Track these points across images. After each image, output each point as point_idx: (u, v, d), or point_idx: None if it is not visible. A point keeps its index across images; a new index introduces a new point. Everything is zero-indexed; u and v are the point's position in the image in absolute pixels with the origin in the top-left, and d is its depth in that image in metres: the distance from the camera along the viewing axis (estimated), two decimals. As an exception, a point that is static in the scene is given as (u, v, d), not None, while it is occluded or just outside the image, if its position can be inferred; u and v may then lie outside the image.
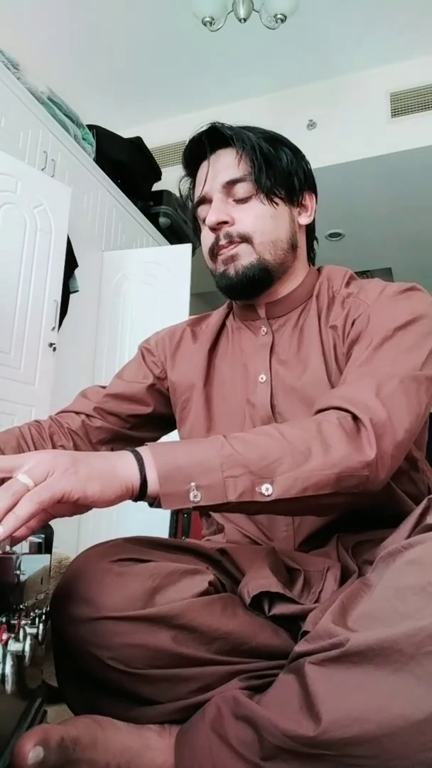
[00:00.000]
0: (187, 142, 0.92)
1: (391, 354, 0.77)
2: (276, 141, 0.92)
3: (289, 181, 0.91)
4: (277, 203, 0.89)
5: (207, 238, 0.92)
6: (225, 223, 0.88)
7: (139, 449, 0.65)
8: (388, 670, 0.49)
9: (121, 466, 0.63)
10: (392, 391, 0.72)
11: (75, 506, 0.61)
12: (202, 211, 0.93)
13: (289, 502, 0.65)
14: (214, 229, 0.88)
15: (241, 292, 0.91)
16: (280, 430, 0.69)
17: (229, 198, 0.89)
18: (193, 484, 0.63)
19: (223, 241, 0.88)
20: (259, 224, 0.88)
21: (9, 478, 0.59)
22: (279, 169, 0.89)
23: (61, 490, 0.58)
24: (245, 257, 0.88)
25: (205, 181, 0.90)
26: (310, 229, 0.98)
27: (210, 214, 0.88)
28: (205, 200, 0.91)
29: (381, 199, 3.96)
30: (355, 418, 0.70)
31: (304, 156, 0.95)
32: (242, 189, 0.88)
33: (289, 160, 0.91)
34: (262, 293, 0.92)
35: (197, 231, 0.98)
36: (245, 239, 0.88)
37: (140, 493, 0.63)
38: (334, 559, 0.78)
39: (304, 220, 0.94)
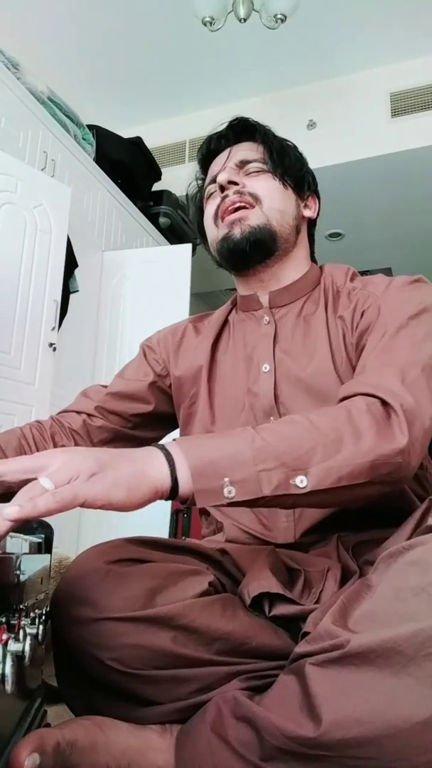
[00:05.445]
0: (205, 138, 0.98)
1: (409, 342, 0.77)
2: (290, 146, 0.99)
3: (298, 177, 0.96)
4: (285, 186, 0.94)
5: (213, 205, 0.95)
6: (236, 184, 0.91)
7: (168, 446, 0.63)
8: (389, 671, 0.49)
9: (151, 467, 0.60)
10: (416, 378, 0.72)
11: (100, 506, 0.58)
12: (211, 188, 0.96)
13: (323, 493, 0.64)
14: (223, 188, 0.91)
15: (243, 255, 0.91)
16: (310, 419, 0.67)
17: (240, 172, 0.93)
18: (226, 479, 0.61)
19: (233, 197, 0.91)
20: (269, 191, 0.92)
21: (32, 479, 0.57)
22: (290, 163, 0.95)
23: (83, 497, 0.55)
24: (254, 219, 0.90)
25: (222, 163, 0.94)
26: (311, 225, 1.01)
27: (221, 174, 0.92)
28: (216, 179, 0.94)
29: (381, 199, 3.96)
30: (384, 403, 0.69)
31: (310, 168, 1.02)
32: (255, 167, 0.93)
33: (299, 161, 0.98)
34: (261, 264, 0.93)
35: (200, 214, 1.01)
36: (256, 200, 0.91)
37: (171, 493, 0.61)
38: (335, 560, 0.78)
39: (308, 213, 0.99)
